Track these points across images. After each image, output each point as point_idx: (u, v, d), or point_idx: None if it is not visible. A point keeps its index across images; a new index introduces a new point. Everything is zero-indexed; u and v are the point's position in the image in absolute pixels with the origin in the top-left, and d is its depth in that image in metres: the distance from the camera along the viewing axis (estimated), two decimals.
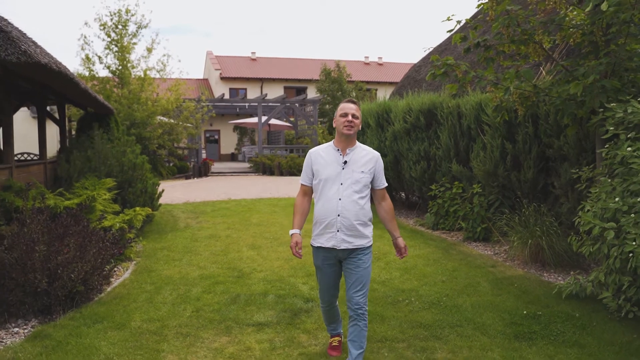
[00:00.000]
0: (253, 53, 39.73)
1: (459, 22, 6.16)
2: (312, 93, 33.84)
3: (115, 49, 19.08)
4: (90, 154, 7.96)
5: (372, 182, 3.41)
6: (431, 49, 10.78)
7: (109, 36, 18.98)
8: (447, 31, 6.35)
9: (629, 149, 4.00)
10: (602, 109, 4.62)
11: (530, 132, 6.88)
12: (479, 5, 6.14)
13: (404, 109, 9.84)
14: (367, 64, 41.29)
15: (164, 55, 27.35)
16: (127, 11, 19.25)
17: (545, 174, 6.93)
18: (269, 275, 5.70)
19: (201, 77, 41.37)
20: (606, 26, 4.83)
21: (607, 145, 4.54)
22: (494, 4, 5.76)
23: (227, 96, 31.57)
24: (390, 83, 36.95)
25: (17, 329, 4.28)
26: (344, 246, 3.29)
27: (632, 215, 3.94)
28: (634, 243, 3.74)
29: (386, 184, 3.49)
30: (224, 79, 35.42)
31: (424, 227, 8.72)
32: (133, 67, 19.15)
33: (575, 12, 5.20)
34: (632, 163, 3.98)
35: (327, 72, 26.58)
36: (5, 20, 4.57)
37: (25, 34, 4.85)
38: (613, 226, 4.12)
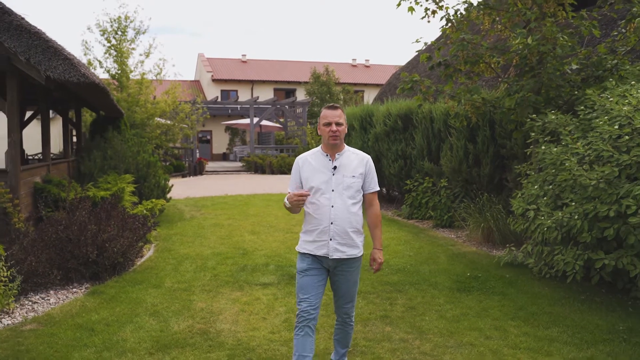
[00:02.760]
0: (244, 55, 40.87)
1: (425, 43, 7.50)
2: (300, 95, 35.07)
3: (115, 53, 20.16)
4: (111, 153, 9.16)
5: (362, 187, 3.27)
6: (401, 67, 12.23)
7: (108, 41, 20.04)
8: (416, 51, 7.66)
9: (543, 148, 5.32)
10: (528, 119, 5.95)
11: (488, 135, 8.20)
12: (442, 29, 7.46)
13: (384, 113, 11.15)
14: (355, 66, 42.57)
15: (160, 59, 28.37)
16: (127, 18, 20.34)
17: (501, 170, 8.26)
18: (269, 253, 6.96)
19: (192, 78, 42.41)
20: (537, 52, 6.14)
21: (531, 147, 5.87)
22: (453, 30, 7.09)
23: (218, 97, 32.70)
24: (377, 85, 38.22)
25: (75, 289, 5.49)
26: (337, 255, 3.16)
27: (544, 198, 5.26)
28: (542, 218, 5.06)
29: (377, 188, 3.33)
30: (215, 80, 36.53)
31: (401, 217, 10.02)
32: (131, 71, 20.24)
33: (517, 40, 6.52)
34: (545, 159, 5.29)
35: (316, 76, 27.89)
36: (66, 50, 5.78)
37: (77, 58, 6.07)
38: (534, 207, 5.44)
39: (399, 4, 7.36)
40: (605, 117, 4.69)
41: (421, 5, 7.29)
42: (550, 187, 5.31)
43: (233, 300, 5.02)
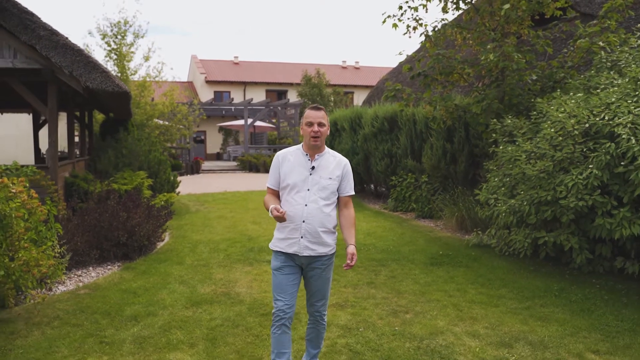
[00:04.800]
0: (236, 57, 41.81)
1: (408, 55, 8.59)
2: (291, 96, 36.11)
3: (115, 57, 21.07)
4: (126, 152, 10.15)
5: (338, 189, 3.34)
6: (389, 72, 13.40)
7: (109, 45, 20.95)
8: (399, 62, 8.75)
9: (501, 147, 6.42)
10: (492, 122, 7.06)
11: (463, 136, 9.31)
12: (422, 44, 8.56)
13: (372, 115, 12.23)
14: (345, 67, 43.64)
15: (159, 62, 29.32)
16: (126, 22, 21.27)
17: (475, 167, 9.37)
18: (270, 238, 7.96)
19: (185, 79, 43.27)
20: (498, 67, 7.25)
21: (493, 146, 6.97)
22: (431, 45, 8.20)
23: (213, 99, 33.67)
24: (367, 86, 39.28)
25: (109, 266, 6.50)
26: (307, 253, 3.23)
27: (502, 188, 6.37)
28: (499, 205, 6.16)
29: (352, 192, 3.39)
30: (209, 82, 37.46)
31: (387, 210, 11.11)
32: (132, 74, 21.15)
33: (483, 56, 7.63)
34: (503, 156, 6.39)
35: (307, 78, 28.99)
36: (102, 64, 6.79)
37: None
38: (495, 196, 6.54)
39: (384, 21, 8.45)
40: (549, 122, 5.79)
41: (403, 23, 8.40)
42: (508, 179, 6.41)
43: (246, 272, 6.07)
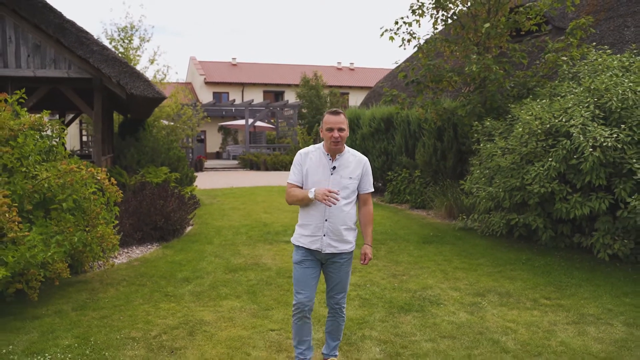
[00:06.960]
0: (234, 59, 42.91)
1: (402, 63, 9.77)
2: (288, 96, 37.29)
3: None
4: (148, 149, 11.26)
5: (358, 187, 3.42)
6: (385, 76, 14.63)
7: (116, 49, 22.00)
8: (394, 69, 9.92)
9: (481, 145, 7.62)
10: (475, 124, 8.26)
11: (452, 135, 10.50)
12: (415, 54, 9.75)
13: (370, 117, 13.41)
14: (340, 69, 44.82)
15: (164, 65, 30.34)
16: (132, 27, 22.34)
17: (462, 163, 10.57)
18: (284, 224, 9.16)
19: (183, 80, 44.29)
20: (479, 76, 8.46)
21: (475, 144, 8.18)
22: (423, 56, 9.39)
23: (211, 99, 34.76)
24: (362, 87, 40.50)
25: (149, 246, 7.63)
26: (329, 250, 3.36)
27: (482, 179, 7.56)
28: (480, 192, 7.35)
29: (372, 189, 3.49)
30: (208, 83, 38.55)
31: (383, 202, 12.29)
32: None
33: (467, 67, 8.83)
34: (483, 152, 7.59)
35: (306, 80, 30.23)
36: (144, 74, 7.92)
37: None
38: (477, 186, 7.73)
39: (382, 34, 9.63)
40: (520, 123, 6.99)
41: (399, 36, 9.59)
42: (487, 171, 7.61)
43: (267, 249, 7.23)
